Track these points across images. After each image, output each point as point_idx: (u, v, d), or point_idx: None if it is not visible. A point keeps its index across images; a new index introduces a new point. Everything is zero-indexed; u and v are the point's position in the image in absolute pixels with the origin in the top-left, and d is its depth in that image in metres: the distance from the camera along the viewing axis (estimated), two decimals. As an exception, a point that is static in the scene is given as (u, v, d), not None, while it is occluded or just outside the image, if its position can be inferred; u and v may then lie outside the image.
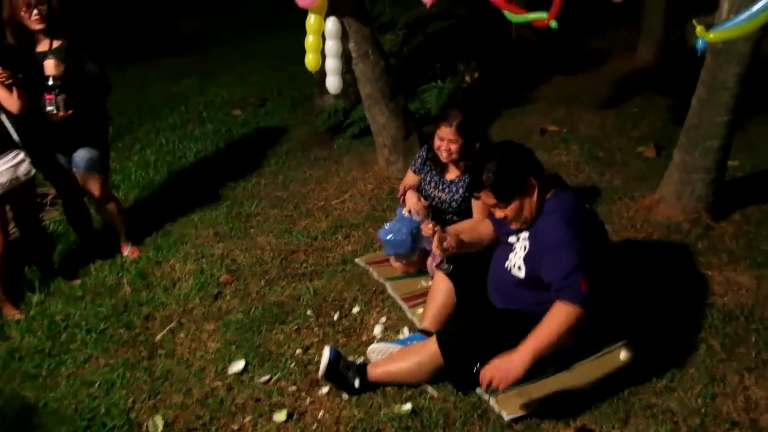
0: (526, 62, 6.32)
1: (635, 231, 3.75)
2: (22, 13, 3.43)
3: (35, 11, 3.43)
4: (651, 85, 5.86)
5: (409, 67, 5.58)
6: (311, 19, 3.86)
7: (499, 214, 2.66)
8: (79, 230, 4.14)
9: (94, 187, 3.84)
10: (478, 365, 2.48)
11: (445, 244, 2.79)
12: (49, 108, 3.45)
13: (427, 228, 2.93)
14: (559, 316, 2.42)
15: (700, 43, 2.45)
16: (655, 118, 5.25)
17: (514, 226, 2.69)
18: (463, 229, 3.07)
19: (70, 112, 3.48)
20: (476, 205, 3.25)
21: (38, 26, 3.48)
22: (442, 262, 2.89)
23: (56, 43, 3.55)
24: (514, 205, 2.59)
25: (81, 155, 3.74)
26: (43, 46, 3.55)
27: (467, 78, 5.89)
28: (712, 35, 2.46)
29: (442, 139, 3.23)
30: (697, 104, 3.54)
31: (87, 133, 3.73)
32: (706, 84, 3.44)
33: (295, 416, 2.72)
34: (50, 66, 3.43)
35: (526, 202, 2.60)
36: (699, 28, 2.45)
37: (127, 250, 4.08)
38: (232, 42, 9.23)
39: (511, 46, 6.21)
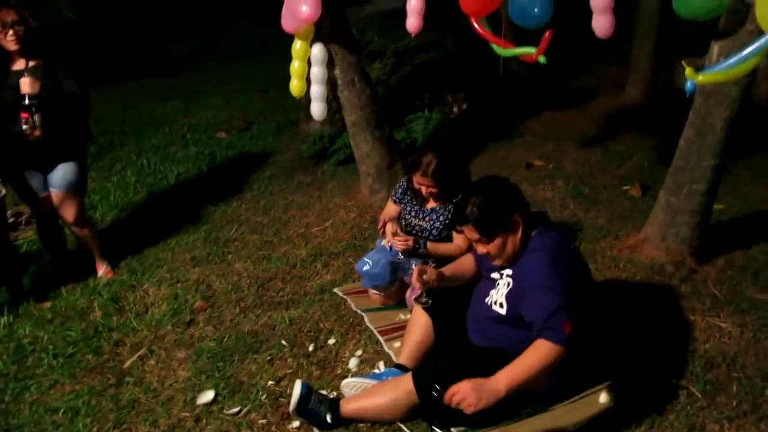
0: (514, 96, 6.34)
1: (618, 270, 3.70)
2: None
3: (11, 32, 3.41)
4: (638, 123, 5.88)
5: (397, 96, 5.57)
6: (297, 45, 3.82)
7: (481, 249, 2.60)
8: (53, 251, 4.04)
9: (69, 209, 3.77)
10: (438, 388, 2.41)
11: (425, 276, 2.73)
12: (24, 127, 3.40)
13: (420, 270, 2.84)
14: (538, 353, 2.35)
15: (689, 85, 2.44)
16: (641, 157, 5.25)
17: (496, 263, 2.63)
18: (440, 250, 3.14)
19: (39, 134, 3.43)
20: (457, 234, 3.21)
21: (14, 47, 3.45)
22: (421, 295, 2.83)
23: (32, 63, 3.51)
24: (497, 242, 2.54)
25: (58, 175, 3.67)
26: (18, 65, 3.51)
27: (455, 109, 5.89)
28: (702, 77, 2.44)
29: (420, 185, 3.25)
30: (684, 146, 3.52)
31: (65, 153, 3.67)
32: (694, 126, 3.42)
33: (263, 452, 2.62)
34: (25, 84, 3.39)
35: (510, 238, 2.55)
36: (688, 70, 2.44)
37: (102, 270, 4.00)
38: (219, 65, 9.25)
39: (500, 79, 6.22)
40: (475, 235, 2.56)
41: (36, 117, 3.39)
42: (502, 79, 6.19)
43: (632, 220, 4.23)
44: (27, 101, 3.37)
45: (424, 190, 3.26)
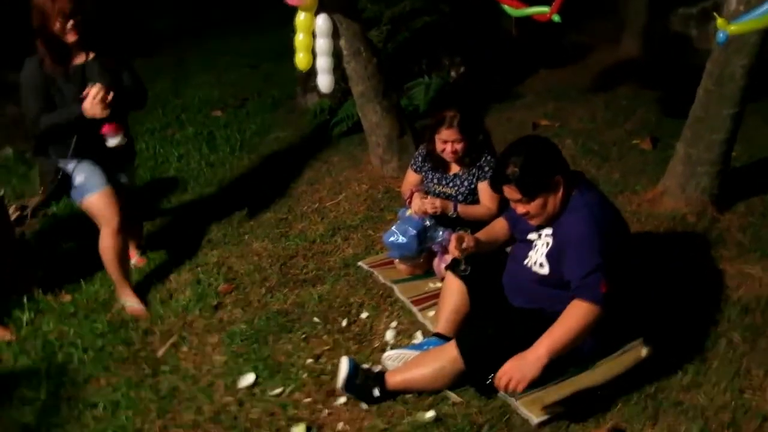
0: (510, 56, 6.27)
1: (641, 224, 3.71)
2: (57, 24, 3.06)
3: (71, 21, 3.07)
4: (638, 76, 5.86)
5: (395, 64, 5.48)
6: (301, 17, 3.75)
7: (521, 209, 2.58)
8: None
9: (135, 202, 3.75)
10: (491, 376, 2.42)
11: (464, 244, 2.70)
12: (116, 140, 3.28)
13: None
14: (575, 315, 2.36)
15: (720, 36, 2.40)
16: (646, 110, 5.24)
17: (534, 222, 2.61)
18: (470, 213, 3.18)
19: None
20: (486, 195, 3.21)
21: (73, 38, 3.12)
22: (459, 264, 2.80)
23: (91, 56, 3.25)
24: (538, 201, 2.51)
25: (127, 171, 3.62)
26: (79, 59, 3.23)
27: (453, 73, 5.82)
28: (734, 27, 2.40)
29: (445, 142, 3.20)
30: (703, 96, 3.50)
31: (130, 151, 3.59)
32: (713, 76, 3.40)
33: (313, 429, 2.60)
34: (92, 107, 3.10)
35: (551, 198, 2.52)
36: (720, 21, 2.40)
37: (135, 258, 3.89)
38: (204, 42, 9.02)
39: (495, 40, 6.16)
40: (516, 195, 2.53)
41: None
42: (498, 39, 6.12)
43: (646, 173, 4.23)
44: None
45: (449, 147, 3.19)
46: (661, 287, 3.14)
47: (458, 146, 3.19)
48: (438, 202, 3.25)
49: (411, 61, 5.71)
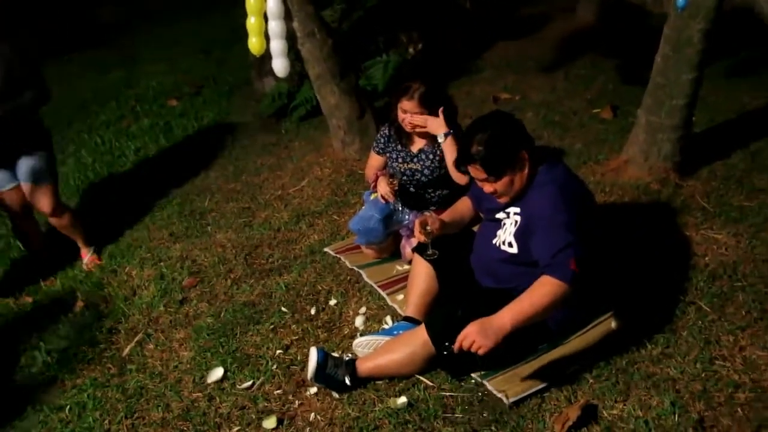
0: (466, 30, 6.21)
1: (605, 195, 3.70)
2: None
3: None
4: (595, 45, 5.85)
5: (351, 43, 5.38)
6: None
7: (488, 188, 2.54)
8: (28, 245, 3.82)
9: (43, 200, 3.55)
10: (447, 344, 2.38)
11: (428, 227, 2.65)
12: None
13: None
14: (543, 290, 2.31)
15: (680, 1, 2.37)
16: (604, 79, 5.23)
17: (502, 200, 2.58)
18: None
19: None
20: (457, 175, 3.14)
21: None
22: (426, 248, 2.75)
23: None
24: (505, 180, 2.48)
25: (24, 166, 3.43)
26: None
27: (411, 50, 5.74)
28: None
29: (405, 112, 3.12)
30: (661, 62, 3.49)
31: (28, 142, 3.42)
32: (671, 41, 3.38)
33: (285, 421, 2.56)
34: None
35: (518, 175, 2.48)
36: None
37: (87, 257, 3.80)
38: (152, 30, 8.81)
39: (451, 14, 6.09)
40: (481, 175, 2.49)
41: None
42: (453, 12, 6.05)
43: (608, 142, 4.23)
44: None
45: (408, 118, 3.13)
46: (628, 258, 3.14)
47: (416, 118, 3.12)
48: (391, 194, 3.21)
49: (367, 39, 5.62)
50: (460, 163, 2.56)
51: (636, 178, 3.74)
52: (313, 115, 5.16)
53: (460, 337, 2.27)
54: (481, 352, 2.24)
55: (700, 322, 2.73)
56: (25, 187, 3.49)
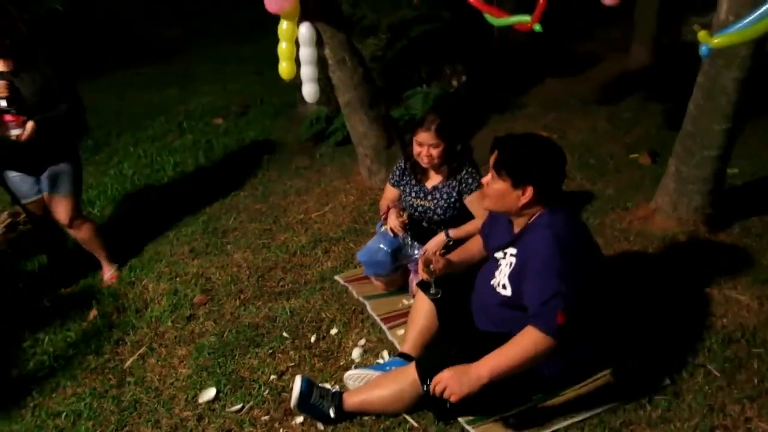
0: (514, 65, 6.16)
1: (629, 243, 3.57)
2: None
3: None
4: (644, 87, 5.71)
5: (394, 72, 5.42)
6: (283, 25, 3.70)
7: (485, 180, 2.49)
8: (49, 252, 3.93)
9: (61, 211, 3.63)
10: (428, 382, 2.31)
11: (431, 266, 2.60)
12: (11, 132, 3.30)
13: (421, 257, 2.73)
14: (526, 342, 2.22)
15: (703, 49, 2.28)
16: (649, 123, 5.09)
17: (485, 204, 2.54)
18: (466, 231, 3.08)
19: (25, 136, 3.31)
20: (476, 207, 3.10)
21: None
22: (430, 287, 2.70)
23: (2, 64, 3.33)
24: (500, 185, 2.41)
25: (48, 175, 3.53)
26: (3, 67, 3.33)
27: (454, 82, 5.73)
28: (716, 41, 2.28)
29: (421, 145, 3.08)
30: (694, 110, 3.36)
31: (53, 153, 3.52)
32: (703, 89, 3.26)
33: (267, 450, 2.54)
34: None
35: (513, 196, 2.40)
36: (701, 34, 2.29)
37: (107, 275, 3.86)
38: (212, 49, 9.10)
39: (498, 49, 6.05)
40: (492, 159, 2.44)
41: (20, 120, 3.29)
42: (498, 49, 6.01)
43: (642, 189, 4.09)
44: (5, 104, 3.25)
45: (424, 151, 3.07)
46: (642, 311, 3.01)
47: (434, 151, 3.07)
48: (400, 228, 3.18)
49: (411, 69, 5.63)
50: (495, 142, 2.49)
51: (663, 229, 3.60)
52: (349, 141, 5.16)
53: (435, 379, 2.22)
54: (453, 399, 2.17)
55: (707, 387, 2.59)
56: (46, 197, 3.58)
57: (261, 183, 4.90)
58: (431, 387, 2.23)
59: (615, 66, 6.34)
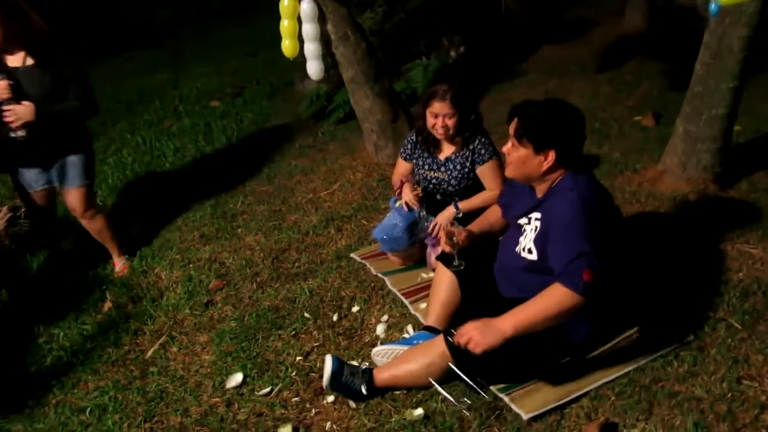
0: (511, 34, 6.12)
1: (640, 205, 3.59)
2: None
3: None
4: (641, 50, 5.70)
5: (392, 46, 5.37)
6: (285, 2, 3.65)
7: (505, 148, 2.50)
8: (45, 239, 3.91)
9: (76, 201, 3.58)
10: (453, 332, 2.35)
11: (454, 239, 2.61)
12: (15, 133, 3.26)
13: (436, 228, 2.75)
14: (553, 298, 2.24)
15: (713, 8, 2.27)
16: (649, 85, 5.09)
17: (508, 172, 2.54)
18: (474, 206, 3.06)
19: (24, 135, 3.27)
20: (489, 178, 3.12)
21: None
22: (452, 259, 2.71)
23: (16, 59, 3.27)
24: (522, 152, 2.42)
25: (60, 166, 3.49)
26: (14, 62, 3.27)
27: (452, 53, 5.69)
28: (725, -1, 2.28)
29: (436, 116, 3.05)
30: (701, 70, 3.36)
31: (66, 145, 3.48)
32: (710, 48, 3.26)
33: (300, 430, 2.54)
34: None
35: (535, 161, 2.41)
36: (711, -8, 2.27)
37: (119, 266, 3.83)
38: (203, 31, 8.99)
39: (495, 18, 6.01)
40: (512, 130, 2.44)
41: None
42: (498, 16, 5.97)
43: (648, 151, 4.10)
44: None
45: (440, 122, 3.05)
46: (660, 270, 3.03)
47: (449, 122, 3.05)
48: (415, 201, 3.18)
49: (409, 42, 5.59)
50: (514, 108, 2.49)
51: (673, 189, 3.62)
52: (350, 117, 5.15)
53: (458, 332, 2.27)
54: (477, 350, 2.22)
55: (729, 339, 2.63)
56: (59, 188, 3.55)
57: (265, 164, 4.87)
58: (455, 339, 2.27)
59: (611, 30, 6.33)
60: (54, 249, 3.96)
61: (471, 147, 3.14)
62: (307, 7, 3.66)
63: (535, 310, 2.23)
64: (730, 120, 3.42)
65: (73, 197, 3.58)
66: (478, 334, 2.22)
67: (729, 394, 2.39)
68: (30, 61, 3.28)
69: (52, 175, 3.51)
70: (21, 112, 3.22)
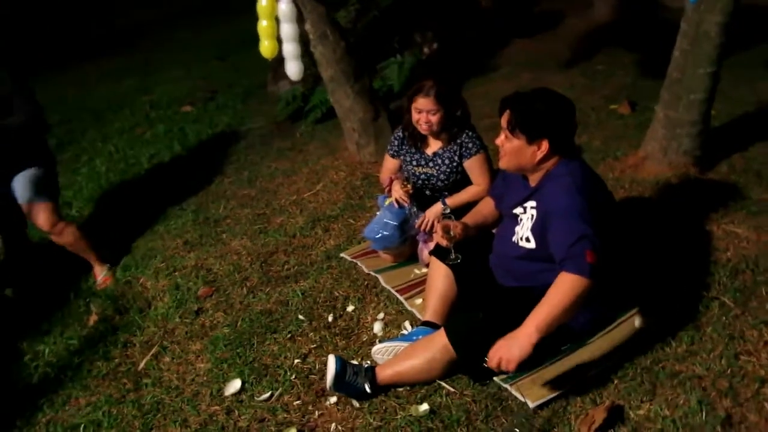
0: (482, 29, 6.15)
1: (624, 191, 3.64)
2: None
3: None
4: (612, 40, 5.78)
5: (366, 44, 5.35)
6: (263, 2, 3.62)
7: (498, 140, 2.51)
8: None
9: (42, 217, 3.48)
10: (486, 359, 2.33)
11: (451, 232, 2.61)
12: None
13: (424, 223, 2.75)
14: (563, 288, 2.25)
15: (692, -6, 2.30)
16: (622, 74, 5.16)
17: (502, 163, 2.54)
18: (462, 201, 3.07)
19: None
20: (476, 172, 3.14)
21: None
22: (448, 253, 2.71)
23: None
24: (516, 143, 2.43)
25: (19, 184, 3.38)
26: None
27: (426, 49, 5.70)
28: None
29: (420, 112, 3.05)
30: (679, 57, 3.42)
31: (23, 159, 3.37)
32: (688, 35, 3.32)
33: (305, 432, 2.52)
34: None
35: (529, 151, 2.43)
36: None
37: (100, 277, 3.74)
38: (169, 36, 8.86)
39: (466, 13, 6.03)
40: (505, 121, 2.45)
41: None
42: (468, 11, 6.00)
43: (626, 138, 4.16)
44: None
45: (424, 117, 3.05)
46: (649, 254, 3.07)
47: (433, 118, 3.04)
48: (406, 198, 3.17)
49: (382, 40, 5.57)
50: (504, 100, 2.50)
51: (655, 174, 3.68)
52: (328, 117, 5.12)
53: (489, 356, 2.27)
54: (511, 368, 2.22)
55: (724, 317, 2.68)
56: (24, 206, 3.44)
57: (245, 167, 4.81)
58: (488, 363, 2.26)
59: (580, 22, 6.41)
60: (31, 264, 3.84)
61: (458, 141, 3.14)
62: (285, 8, 3.63)
63: (550, 306, 2.24)
64: (708, 104, 3.49)
65: (39, 212, 3.48)
66: (505, 352, 2.22)
67: (728, 370, 2.43)
68: None
69: (16, 191, 3.40)
70: None
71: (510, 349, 2.22)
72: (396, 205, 3.21)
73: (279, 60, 4.47)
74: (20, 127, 3.28)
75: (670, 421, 2.25)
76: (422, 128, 3.10)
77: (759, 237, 3.12)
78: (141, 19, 9.70)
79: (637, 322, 2.66)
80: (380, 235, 3.22)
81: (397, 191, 3.19)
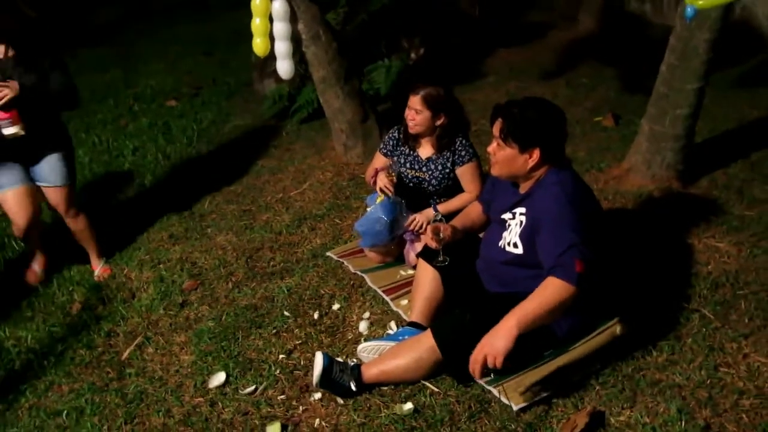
0: (469, 37, 6.22)
1: (608, 202, 3.71)
2: None
3: None
4: (596, 53, 5.87)
5: (354, 47, 5.37)
6: (257, 0, 3.61)
7: (491, 149, 2.56)
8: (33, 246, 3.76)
9: (62, 201, 3.49)
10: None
11: (441, 234, 2.65)
12: (11, 130, 3.13)
13: (414, 223, 2.79)
14: (549, 291, 2.31)
15: (689, 11, 2.37)
16: (606, 87, 5.25)
17: (493, 171, 2.59)
18: (453, 208, 3.12)
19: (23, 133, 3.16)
20: (467, 179, 3.21)
21: None
22: (437, 255, 2.75)
23: (11, 53, 3.17)
24: (508, 151, 2.48)
25: (45, 168, 3.38)
26: None
27: (413, 54, 5.74)
28: (702, 2, 2.38)
29: (410, 108, 3.18)
30: (666, 72, 3.50)
31: (50, 144, 3.38)
32: (676, 51, 3.40)
33: (289, 427, 2.51)
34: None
35: (521, 160, 2.48)
36: (690, -6, 2.37)
37: (98, 269, 3.72)
38: (152, 29, 8.77)
39: (452, 20, 6.10)
40: (497, 129, 2.50)
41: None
42: (456, 19, 6.06)
43: (610, 150, 4.23)
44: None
45: (410, 115, 3.18)
46: (632, 265, 3.13)
47: (417, 116, 3.16)
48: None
49: (370, 43, 5.61)
50: (496, 109, 2.55)
51: (638, 186, 3.75)
52: (314, 117, 5.14)
53: (473, 358, 2.33)
54: (499, 361, 2.27)
55: (704, 329, 2.74)
56: (48, 190, 3.44)
57: (230, 164, 4.80)
58: (471, 366, 2.33)
59: (565, 34, 6.51)
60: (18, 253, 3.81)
61: (452, 148, 3.22)
62: (278, 6, 3.63)
63: (533, 305, 2.29)
64: (693, 119, 3.58)
65: (60, 196, 3.47)
66: (490, 348, 2.28)
67: (708, 381, 2.49)
68: (11, 53, 3.19)
69: (39, 174, 3.39)
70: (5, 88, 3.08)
71: (493, 344, 2.28)
72: (379, 193, 3.25)
73: (265, 59, 4.48)
74: (58, 94, 3.29)
75: (650, 428, 2.30)
76: (408, 125, 3.21)
77: (739, 252, 3.20)
78: (118, 13, 9.59)
79: (618, 329, 2.70)
80: (370, 230, 3.24)
81: (383, 180, 3.24)
